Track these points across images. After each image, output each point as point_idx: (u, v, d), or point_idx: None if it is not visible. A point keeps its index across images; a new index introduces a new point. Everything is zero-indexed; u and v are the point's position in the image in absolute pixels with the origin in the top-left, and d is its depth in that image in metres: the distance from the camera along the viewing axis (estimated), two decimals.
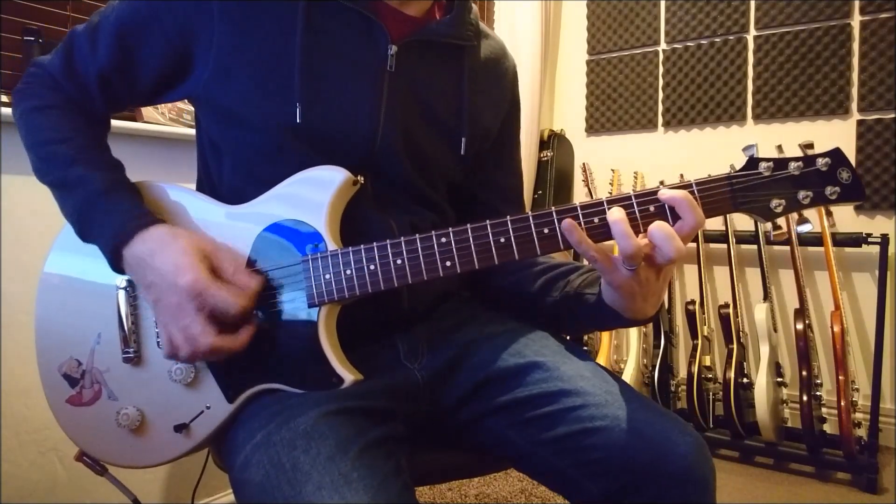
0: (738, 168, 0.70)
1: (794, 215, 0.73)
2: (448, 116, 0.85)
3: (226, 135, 0.79)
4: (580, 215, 0.68)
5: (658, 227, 0.64)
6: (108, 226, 0.71)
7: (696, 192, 0.67)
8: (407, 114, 0.80)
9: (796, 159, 0.68)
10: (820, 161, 0.68)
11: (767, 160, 0.69)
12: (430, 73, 0.83)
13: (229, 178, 0.80)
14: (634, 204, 0.67)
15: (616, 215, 0.65)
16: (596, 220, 0.68)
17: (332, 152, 0.76)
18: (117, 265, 0.72)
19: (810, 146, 0.71)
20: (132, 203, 0.74)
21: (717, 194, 0.68)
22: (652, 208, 0.67)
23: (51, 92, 0.79)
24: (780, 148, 0.72)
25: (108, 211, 0.72)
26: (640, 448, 0.70)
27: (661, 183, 2.82)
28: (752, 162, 0.69)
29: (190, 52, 0.76)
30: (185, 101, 0.86)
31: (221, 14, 0.74)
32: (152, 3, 0.75)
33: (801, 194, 0.68)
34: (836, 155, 0.68)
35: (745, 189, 0.68)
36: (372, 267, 0.71)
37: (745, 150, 0.70)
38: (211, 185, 0.84)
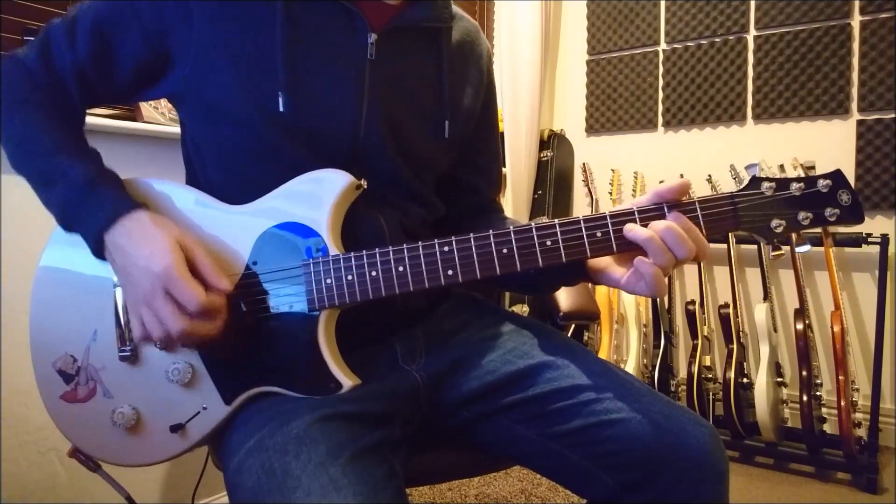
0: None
1: (794, 235, 0.74)
2: (430, 101, 0.85)
3: (209, 132, 0.79)
4: (583, 228, 0.69)
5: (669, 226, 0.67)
6: (94, 214, 0.70)
7: (699, 210, 0.68)
8: (390, 102, 0.80)
9: (798, 180, 0.69)
10: (821, 183, 0.69)
11: (770, 180, 0.69)
12: (410, 59, 0.83)
13: (214, 178, 0.80)
14: (638, 217, 0.69)
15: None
16: (599, 234, 0.69)
17: (317, 145, 0.76)
18: (99, 251, 0.71)
19: (812, 167, 0.71)
20: (115, 191, 0.73)
21: (721, 212, 0.69)
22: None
23: (28, 85, 0.78)
24: (782, 168, 0.73)
25: (95, 199, 0.71)
26: (657, 438, 0.71)
27: (661, 183, 2.80)
28: (755, 181, 0.69)
29: (168, 51, 0.76)
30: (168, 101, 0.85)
31: (199, 13, 0.74)
32: (130, 1, 0.75)
33: (802, 215, 0.69)
34: (837, 177, 0.69)
35: (748, 208, 0.69)
36: (374, 273, 0.71)
37: (747, 168, 0.70)
38: (197, 187, 0.83)
